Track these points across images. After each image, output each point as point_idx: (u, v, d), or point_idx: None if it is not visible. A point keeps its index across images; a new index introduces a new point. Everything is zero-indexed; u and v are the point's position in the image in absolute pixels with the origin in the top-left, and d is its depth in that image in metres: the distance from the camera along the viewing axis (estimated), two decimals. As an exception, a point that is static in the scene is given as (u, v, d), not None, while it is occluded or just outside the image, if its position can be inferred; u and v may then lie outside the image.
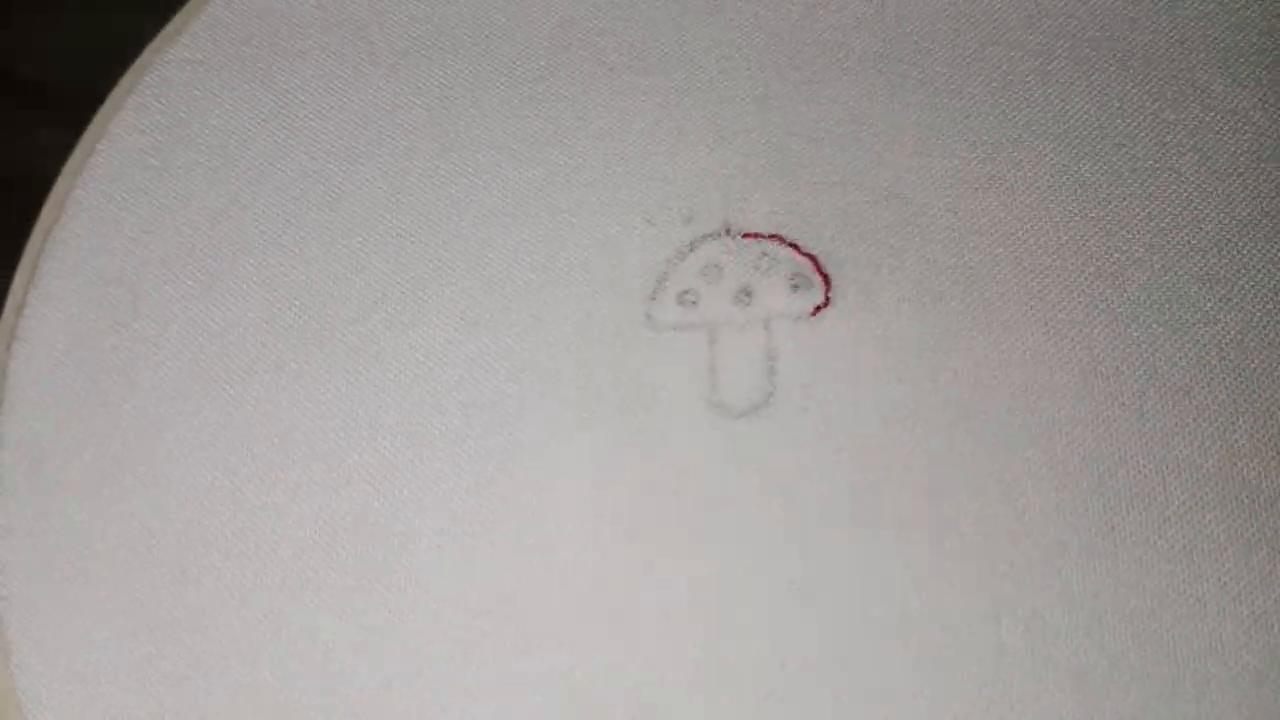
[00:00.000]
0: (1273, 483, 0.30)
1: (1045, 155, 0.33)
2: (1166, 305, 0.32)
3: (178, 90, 0.35)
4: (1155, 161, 0.33)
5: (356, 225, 0.33)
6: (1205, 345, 0.31)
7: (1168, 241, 0.32)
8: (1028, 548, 0.30)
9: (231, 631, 0.31)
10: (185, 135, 0.35)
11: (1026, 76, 0.34)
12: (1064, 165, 0.33)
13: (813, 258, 0.32)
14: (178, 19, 0.37)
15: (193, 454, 0.32)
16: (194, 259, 0.34)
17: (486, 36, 0.35)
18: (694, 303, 0.32)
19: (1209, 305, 0.31)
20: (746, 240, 0.33)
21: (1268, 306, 0.31)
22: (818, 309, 0.32)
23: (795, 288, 0.32)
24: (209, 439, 0.32)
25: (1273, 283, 0.32)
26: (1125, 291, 0.32)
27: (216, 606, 0.31)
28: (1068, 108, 0.33)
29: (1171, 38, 0.34)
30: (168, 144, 0.35)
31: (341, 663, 0.31)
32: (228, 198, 0.34)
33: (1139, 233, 0.32)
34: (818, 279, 0.32)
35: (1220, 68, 0.33)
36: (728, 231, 0.33)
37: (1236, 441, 0.30)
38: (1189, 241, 0.32)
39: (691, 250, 0.32)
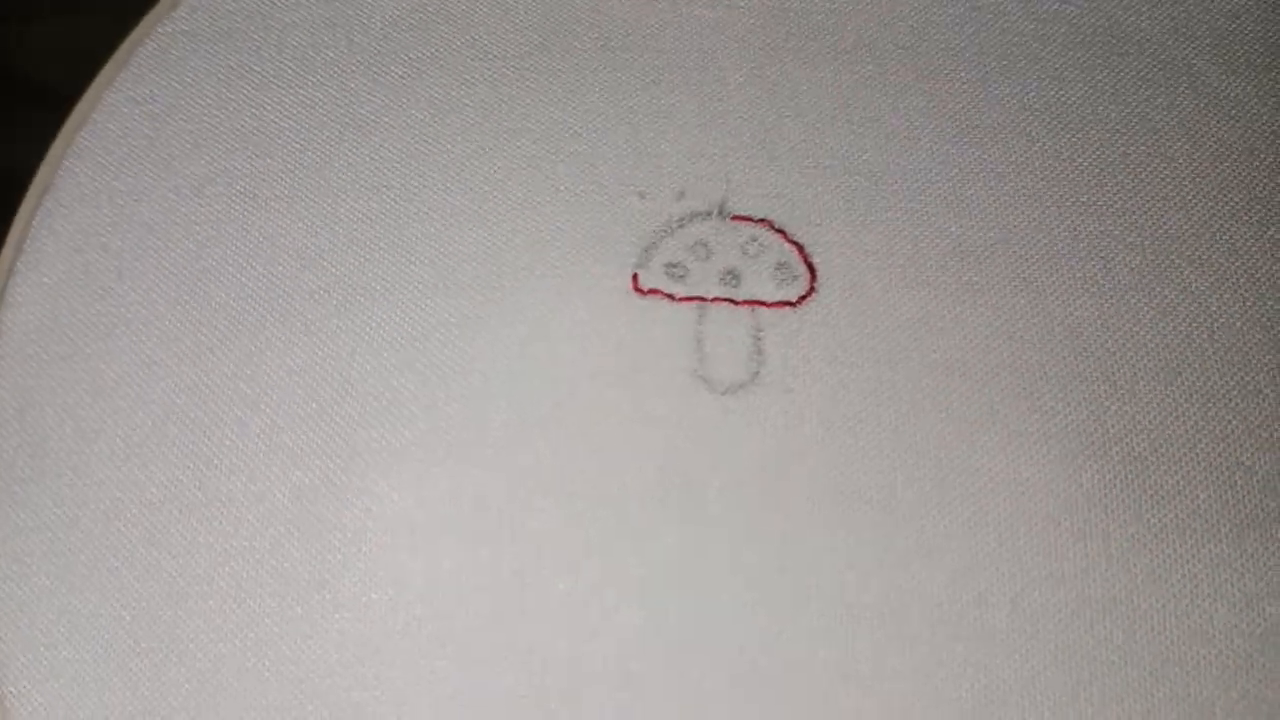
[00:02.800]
0: (1265, 464, 0.30)
1: (1037, 140, 0.33)
2: (1157, 288, 0.31)
3: (171, 62, 0.36)
4: (1146, 146, 0.33)
5: (343, 195, 0.33)
6: (1195, 327, 0.31)
7: (1158, 226, 0.32)
8: (1015, 526, 0.30)
9: (225, 595, 0.31)
10: (175, 106, 0.35)
11: (1020, 61, 0.34)
12: (1056, 150, 0.33)
13: (799, 246, 0.32)
14: None
15: (176, 421, 0.32)
16: (178, 227, 0.34)
17: (477, 9, 0.35)
18: (681, 276, 0.32)
19: (1200, 288, 0.31)
20: (736, 223, 0.32)
21: (1259, 290, 0.31)
22: (802, 298, 0.32)
23: (781, 278, 0.32)
24: (193, 405, 0.32)
25: (1263, 268, 0.31)
26: (1115, 275, 0.31)
27: (208, 573, 0.31)
28: (1061, 93, 0.33)
29: (1166, 24, 0.34)
30: (159, 114, 0.35)
31: (320, 652, 0.30)
32: (212, 167, 0.34)
33: (1130, 217, 0.32)
34: (803, 269, 0.32)
35: (1214, 54, 0.33)
36: (719, 212, 0.33)
37: (1228, 422, 0.30)
38: (1180, 226, 0.32)
39: (681, 226, 0.32)
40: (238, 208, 0.34)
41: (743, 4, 0.35)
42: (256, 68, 0.35)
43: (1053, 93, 0.33)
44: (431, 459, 0.31)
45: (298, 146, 0.34)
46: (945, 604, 0.29)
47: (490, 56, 0.34)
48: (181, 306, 0.33)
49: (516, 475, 0.31)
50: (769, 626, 0.30)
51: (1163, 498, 0.30)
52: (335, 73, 0.35)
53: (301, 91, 0.35)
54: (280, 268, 0.33)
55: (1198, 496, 0.30)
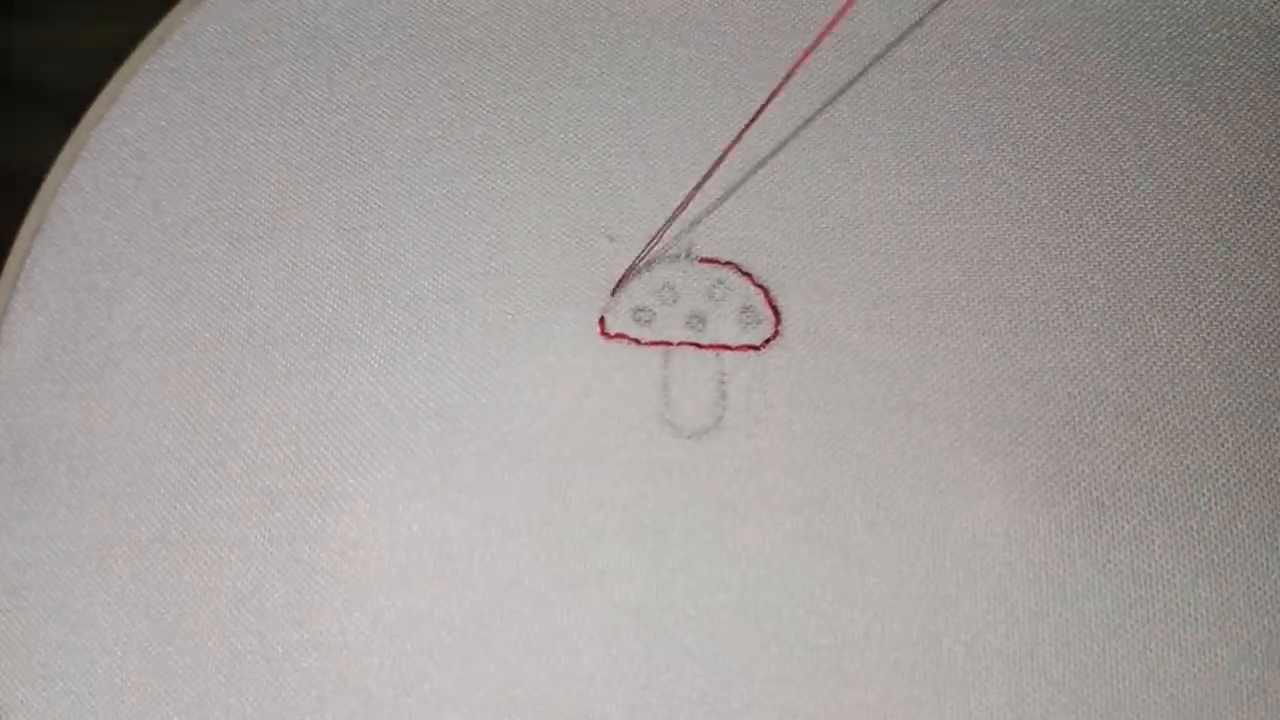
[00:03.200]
0: (1220, 509, 0.30)
1: (1003, 180, 0.33)
2: (1118, 331, 0.31)
3: (157, 99, 0.36)
4: (1113, 187, 0.33)
5: (322, 236, 0.34)
6: (1156, 371, 0.31)
7: (1121, 268, 0.32)
8: (972, 571, 0.30)
9: (209, 633, 0.32)
10: (161, 145, 0.36)
11: (987, 101, 0.34)
12: (1021, 191, 0.33)
13: (764, 290, 0.32)
14: (160, 28, 0.38)
15: (164, 460, 0.33)
16: (164, 267, 0.34)
17: (455, 47, 0.35)
18: (648, 321, 0.32)
19: (1161, 332, 0.31)
20: (703, 265, 0.33)
21: (1220, 334, 0.31)
22: (766, 342, 0.32)
23: (745, 321, 0.32)
24: (179, 445, 0.33)
25: (1224, 311, 0.31)
26: (1077, 319, 0.32)
27: (194, 611, 0.32)
28: (1027, 131, 0.33)
29: (1137, 61, 0.34)
30: (146, 152, 0.35)
31: (299, 690, 0.31)
32: (197, 208, 0.35)
33: (1092, 259, 0.32)
34: (768, 313, 0.32)
35: (1184, 91, 0.33)
36: (686, 255, 0.33)
37: (1186, 466, 0.30)
38: (1142, 268, 0.32)
39: (649, 270, 0.33)
40: (221, 249, 0.34)
41: (717, 43, 0.35)
42: (240, 106, 0.36)
43: (1020, 132, 0.33)
44: (404, 502, 0.32)
45: (279, 187, 0.35)
46: (903, 647, 0.30)
47: (465, 95, 0.35)
48: (168, 347, 0.34)
49: (487, 518, 0.31)
50: (732, 667, 0.30)
51: (1118, 543, 0.30)
52: (316, 112, 0.35)
53: (284, 131, 0.35)
54: (259, 309, 0.34)
55: (1153, 543, 0.30)
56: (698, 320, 0.32)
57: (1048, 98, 0.34)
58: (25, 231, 0.37)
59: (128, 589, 0.32)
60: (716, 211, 0.33)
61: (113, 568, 0.32)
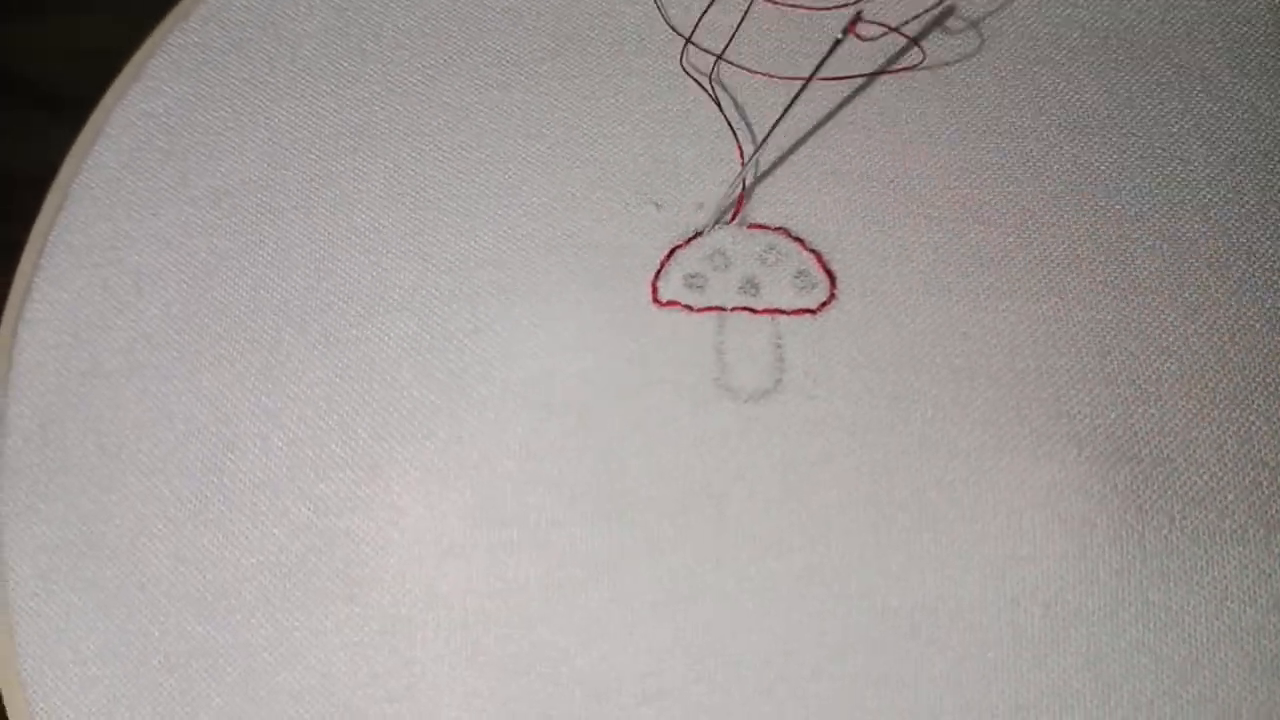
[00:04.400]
0: None
1: (1054, 144, 0.33)
2: (1177, 291, 0.31)
3: (184, 74, 0.35)
4: (1163, 150, 0.33)
5: (358, 204, 0.33)
6: (1216, 329, 0.31)
7: (1176, 229, 0.32)
8: (1050, 529, 0.29)
9: (254, 609, 0.31)
10: (189, 118, 0.35)
11: (1035, 66, 0.34)
12: (1073, 155, 0.33)
13: (817, 254, 0.32)
14: (184, 3, 0.37)
15: (199, 436, 0.32)
16: (194, 239, 0.33)
17: (490, 18, 0.35)
18: (700, 287, 0.32)
19: (1219, 291, 0.31)
20: (753, 231, 0.32)
21: (1276, 292, 0.31)
22: (822, 305, 0.31)
23: (800, 286, 0.32)
24: (214, 420, 0.32)
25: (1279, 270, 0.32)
26: (1136, 278, 0.31)
27: (236, 589, 0.31)
28: (1077, 97, 0.33)
29: (1180, 29, 0.34)
30: (174, 126, 0.35)
31: (351, 665, 0.30)
32: (228, 179, 0.34)
33: (1148, 221, 0.32)
34: (822, 277, 0.32)
35: (1228, 58, 0.34)
36: (737, 221, 0.33)
37: (1252, 423, 0.30)
38: (1197, 230, 0.32)
39: (699, 236, 0.32)
40: (253, 219, 0.34)
41: (759, 10, 0.35)
42: (270, 79, 0.35)
43: (1069, 96, 0.33)
44: (453, 471, 0.31)
45: (313, 157, 0.34)
46: (977, 609, 0.29)
47: (503, 62, 0.34)
48: (200, 319, 0.33)
49: (539, 486, 0.30)
50: (797, 634, 0.29)
51: (1193, 499, 0.30)
52: (348, 82, 0.35)
53: (315, 102, 0.35)
54: (297, 279, 0.33)
55: (1226, 498, 0.30)
56: (751, 286, 0.32)
57: (1093, 63, 0.34)
58: (47, 210, 0.36)
59: (164, 567, 0.31)
60: (768, 179, 0.33)
61: (148, 547, 0.31)
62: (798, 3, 0.35)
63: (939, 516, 0.30)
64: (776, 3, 0.34)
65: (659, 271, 0.32)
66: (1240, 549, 0.29)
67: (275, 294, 0.33)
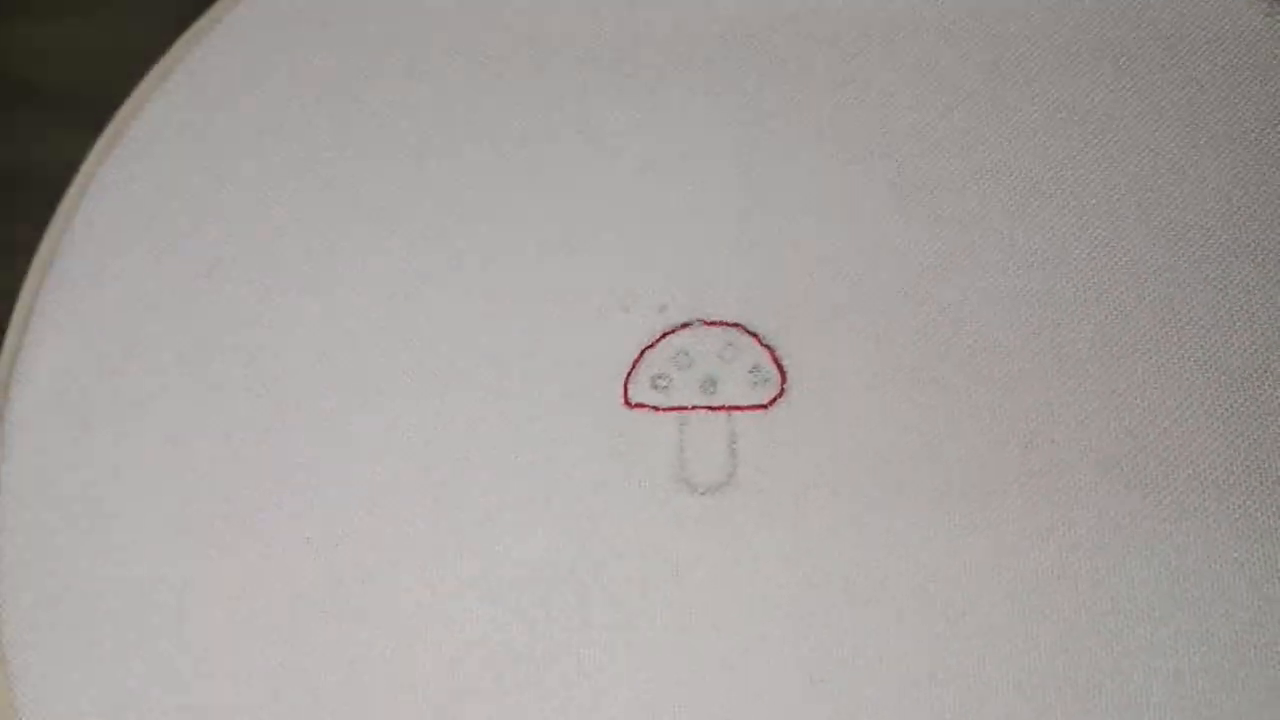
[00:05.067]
0: None
1: (1006, 236, 0.35)
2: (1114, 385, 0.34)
3: (167, 137, 0.37)
4: (1127, 255, 0.35)
5: (354, 285, 0.36)
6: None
7: (1123, 324, 0.35)
8: (975, 627, 0.34)
9: (224, 677, 0.34)
10: (175, 184, 0.37)
11: (981, 143, 0.36)
12: (1024, 246, 0.35)
13: (771, 350, 0.35)
14: (179, 46, 0.38)
15: (183, 504, 0.35)
16: (187, 306, 0.36)
17: (470, 95, 0.37)
18: (665, 387, 0.35)
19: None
20: (712, 328, 0.36)
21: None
22: (773, 400, 0.35)
23: (754, 380, 0.35)
24: (198, 489, 0.35)
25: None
26: (1070, 382, 0.34)
27: (211, 655, 0.34)
28: (1023, 175, 0.36)
29: (1131, 96, 0.36)
30: (160, 191, 0.36)
31: (331, 686, 0.34)
32: (220, 249, 0.36)
33: (1091, 323, 0.35)
34: (774, 372, 0.35)
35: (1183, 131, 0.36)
36: (697, 319, 0.36)
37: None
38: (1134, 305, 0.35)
39: (664, 338, 0.35)
40: (246, 291, 0.36)
41: (726, 91, 0.36)
42: (258, 148, 0.37)
43: (1015, 174, 0.36)
44: (440, 551, 0.35)
45: (308, 234, 0.36)
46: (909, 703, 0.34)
47: (478, 149, 0.36)
48: (196, 388, 0.35)
49: (522, 568, 0.35)
50: (741, 709, 0.34)
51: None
52: (339, 157, 0.37)
53: (308, 176, 0.36)
54: (293, 357, 0.36)
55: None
56: (710, 383, 0.35)
57: (1041, 139, 0.36)
58: (35, 268, 0.37)
59: (164, 630, 0.34)
60: (724, 273, 0.36)
61: (148, 610, 0.34)
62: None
63: (869, 600, 0.34)
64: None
65: (629, 375, 0.35)
66: None
67: (270, 372, 0.35)
